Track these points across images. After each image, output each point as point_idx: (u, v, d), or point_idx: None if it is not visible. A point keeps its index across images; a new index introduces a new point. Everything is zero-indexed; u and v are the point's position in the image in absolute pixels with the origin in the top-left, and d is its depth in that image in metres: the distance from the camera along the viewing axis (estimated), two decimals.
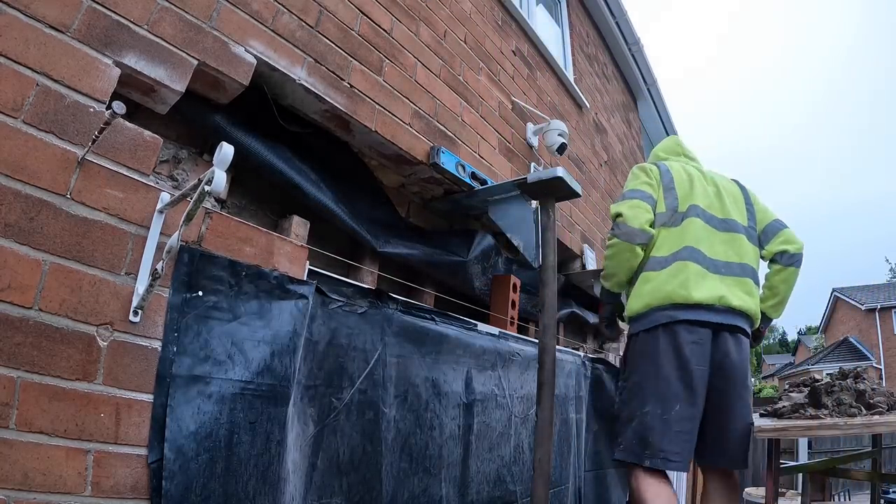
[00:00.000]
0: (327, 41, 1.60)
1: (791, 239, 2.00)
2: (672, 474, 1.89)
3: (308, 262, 1.34)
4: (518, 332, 2.23)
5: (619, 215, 1.90)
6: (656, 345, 1.78)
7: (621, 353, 3.10)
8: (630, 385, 1.85)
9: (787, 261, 1.98)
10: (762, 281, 2.03)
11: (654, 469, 1.71)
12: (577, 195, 1.78)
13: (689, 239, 1.85)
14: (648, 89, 5.58)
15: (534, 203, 1.87)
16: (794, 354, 35.72)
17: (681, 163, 2.13)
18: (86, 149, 0.96)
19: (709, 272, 1.82)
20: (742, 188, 2.13)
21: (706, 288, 1.78)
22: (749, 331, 1.89)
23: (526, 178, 1.79)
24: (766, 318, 2.04)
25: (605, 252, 2.01)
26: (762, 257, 2.04)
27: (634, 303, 1.88)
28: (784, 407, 2.42)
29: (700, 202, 1.93)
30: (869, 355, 20.22)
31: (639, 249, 1.88)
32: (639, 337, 1.86)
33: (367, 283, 1.73)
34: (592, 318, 3.35)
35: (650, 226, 1.89)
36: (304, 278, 1.30)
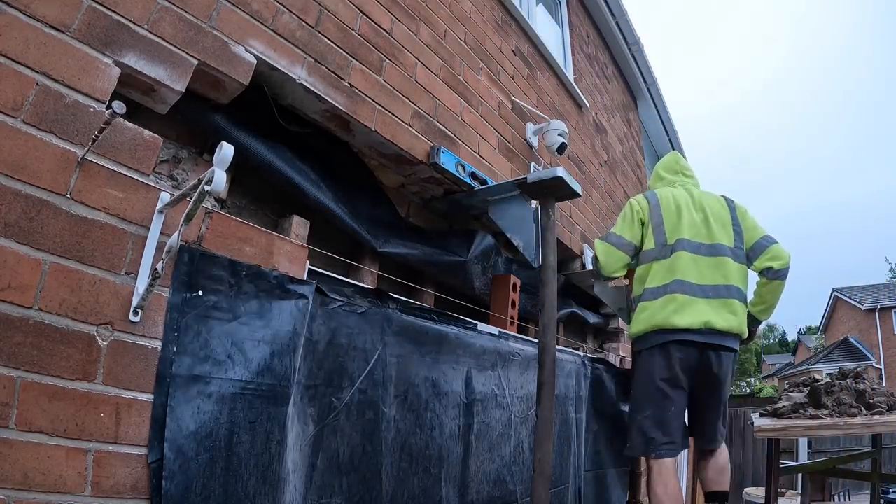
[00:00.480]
0: (327, 41, 1.60)
1: (777, 255, 2.23)
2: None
3: (308, 261, 1.34)
4: (518, 332, 2.23)
5: (597, 259, 2.36)
6: (653, 361, 2.16)
7: (619, 361, 3.30)
8: (635, 393, 2.25)
9: (773, 276, 2.23)
10: (753, 287, 2.32)
11: (661, 461, 2.08)
12: (577, 195, 1.78)
13: (678, 272, 2.16)
14: (648, 89, 5.57)
15: (534, 203, 1.87)
16: (794, 354, 35.69)
17: (673, 189, 2.41)
18: (86, 148, 0.96)
19: (697, 298, 2.12)
20: (731, 207, 2.37)
21: (693, 314, 2.09)
22: (733, 345, 2.17)
23: (526, 177, 1.79)
24: (755, 320, 2.34)
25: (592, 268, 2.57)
26: (752, 269, 2.30)
27: (634, 327, 2.26)
28: (784, 407, 2.42)
29: (686, 234, 2.23)
30: (869, 355, 20.21)
31: (613, 281, 2.48)
32: (641, 355, 2.24)
33: (367, 283, 1.73)
34: (592, 318, 3.35)
35: (624, 265, 2.34)
36: (304, 278, 1.30)
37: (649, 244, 2.26)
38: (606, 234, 2.39)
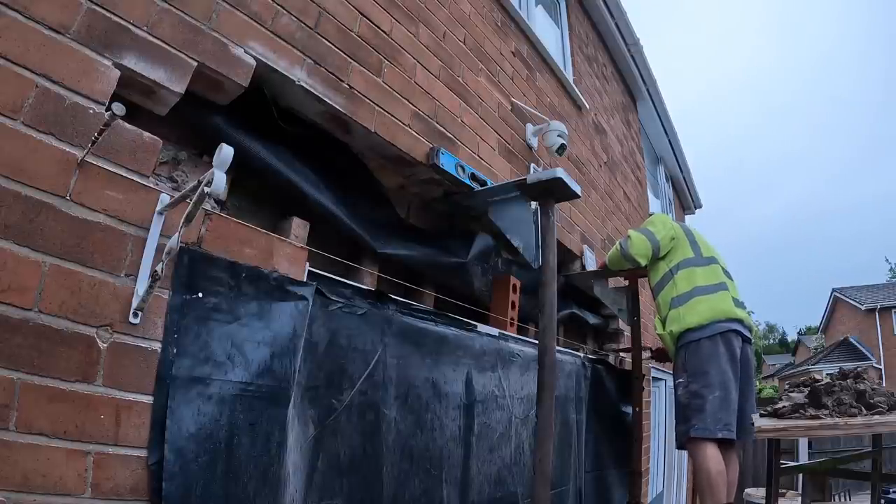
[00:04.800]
0: (327, 42, 1.60)
1: None
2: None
3: (308, 263, 1.33)
4: (518, 333, 2.23)
5: (629, 237, 2.62)
6: (717, 348, 2.36)
7: (619, 362, 3.33)
8: (699, 379, 2.36)
9: None
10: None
11: (714, 442, 2.24)
12: (576, 196, 1.78)
13: (719, 278, 2.54)
14: (648, 90, 5.57)
15: (533, 204, 1.87)
16: (794, 355, 35.66)
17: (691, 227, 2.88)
18: (85, 150, 0.96)
19: (734, 302, 2.48)
20: None
21: (738, 310, 2.45)
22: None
23: (525, 178, 1.79)
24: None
25: (611, 250, 2.77)
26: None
27: (693, 318, 2.43)
28: (784, 407, 2.43)
29: (714, 254, 2.66)
30: (869, 355, 20.19)
31: (626, 264, 2.67)
32: (701, 343, 2.39)
33: (367, 284, 1.73)
34: (592, 319, 3.35)
35: (647, 256, 2.60)
36: (304, 279, 1.30)
37: (689, 253, 2.59)
38: (643, 228, 2.68)
